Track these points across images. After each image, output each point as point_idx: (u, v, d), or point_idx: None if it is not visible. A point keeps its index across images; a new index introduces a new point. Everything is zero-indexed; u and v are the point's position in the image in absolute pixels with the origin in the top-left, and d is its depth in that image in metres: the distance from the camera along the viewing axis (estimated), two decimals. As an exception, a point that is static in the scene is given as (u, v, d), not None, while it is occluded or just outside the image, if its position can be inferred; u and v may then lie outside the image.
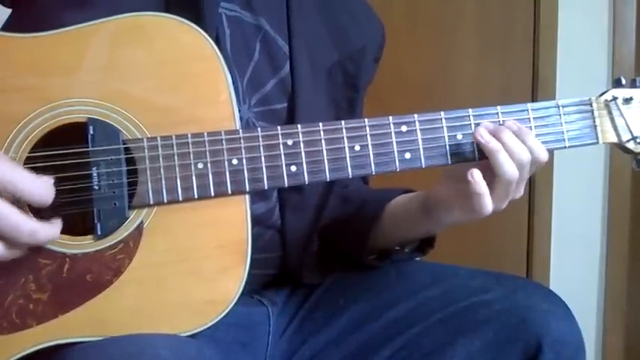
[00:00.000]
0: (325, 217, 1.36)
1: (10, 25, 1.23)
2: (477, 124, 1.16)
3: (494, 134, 1.13)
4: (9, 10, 1.26)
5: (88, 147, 1.05)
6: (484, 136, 1.13)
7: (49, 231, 1.00)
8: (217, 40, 1.16)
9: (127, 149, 1.07)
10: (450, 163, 1.16)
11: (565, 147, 1.21)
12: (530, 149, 1.14)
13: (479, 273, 1.30)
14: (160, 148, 1.07)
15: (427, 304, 1.26)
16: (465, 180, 1.13)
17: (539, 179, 2.72)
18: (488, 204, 1.13)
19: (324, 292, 1.37)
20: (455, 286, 1.27)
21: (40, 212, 1.03)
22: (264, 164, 1.10)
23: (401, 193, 1.35)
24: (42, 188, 0.98)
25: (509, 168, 1.12)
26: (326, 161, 1.12)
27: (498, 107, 1.18)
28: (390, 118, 1.14)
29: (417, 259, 1.38)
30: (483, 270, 1.31)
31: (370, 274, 1.35)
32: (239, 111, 1.11)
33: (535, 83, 2.76)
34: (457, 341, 1.22)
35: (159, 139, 1.07)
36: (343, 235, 1.37)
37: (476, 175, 1.11)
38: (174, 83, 1.09)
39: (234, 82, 1.14)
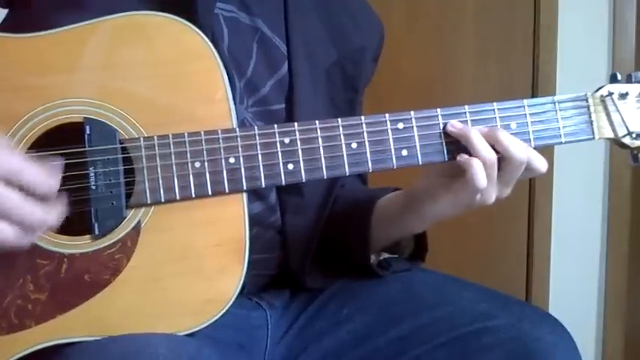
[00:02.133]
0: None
1: (6, 26, 1.23)
2: (473, 121, 1.17)
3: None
4: (5, 11, 1.27)
5: (84, 147, 1.06)
6: (455, 125, 1.16)
7: (54, 215, 1.00)
8: (214, 41, 1.16)
9: (124, 149, 1.07)
10: (446, 159, 1.16)
11: (561, 142, 1.21)
12: (502, 142, 1.15)
13: (485, 295, 1.29)
14: (156, 148, 1.07)
15: (432, 325, 1.25)
16: (447, 172, 1.17)
17: (539, 179, 2.71)
18: (481, 180, 1.13)
19: (327, 299, 1.36)
20: (460, 309, 1.25)
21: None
22: (261, 162, 1.10)
23: (390, 192, 1.34)
24: (45, 180, 0.98)
25: (483, 148, 1.14)
26: (323, 159, 1.12)
27: (495, 104, 1.18)
28: (387, 115, 1.15)
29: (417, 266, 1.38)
30: (489, 291, 1.30)
31: (375, 286, 1.34)
32: (236, 111, 1.11)
33: (535, 83, 2.75)
34: None
35: (156, 138, 1.07)
36: (339, 236, 1.36)
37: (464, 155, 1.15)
38: (171, 82, 1.09)
39: (232, 83, 1.14)
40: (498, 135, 1.15)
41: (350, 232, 1.33)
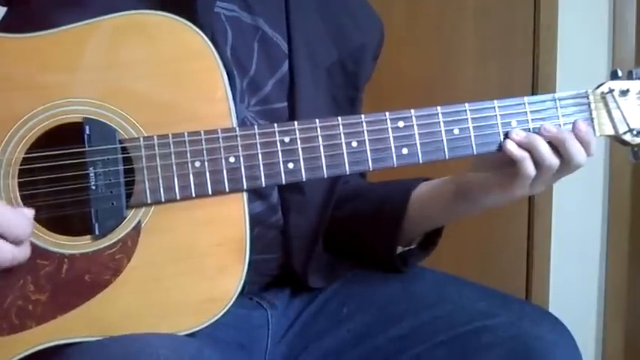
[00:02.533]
0: (334, 216, 1.36)
1: (5, 24, 1.23)
2: (474, 119, 1.17)
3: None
4: (3, 9, 1.27)
5: (84, 147, 1.05)
6: (519, 134, 1.18)
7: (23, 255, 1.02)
8: (215, 40, 1.16)
9: (123, 149, 1.07)
10: (447, 157, 1.16)
11: None
12: (568, 150, 1.17)
13: (484, 294, 1.29)
14: (156, 147, 1.07)
15: (431, 324, 1.25)
16: (499, 165, 1.18)
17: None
18: (531, 170, 1.16)
19: (327, 298, 1.36)
20: (460, 307, 1.26)
21: (37, 213, 1.03)
22: (261, 162, 1.10)
23: (421, 182, 1.34)
24: (16, 225, 1.00)
25: (548, 155, 1.16)
26: (323, 158, 1.12)
27: (495, 101, 1.18)
28: (387, 113, 1.14)
29: (417, 267, 1.38)
30: (489, 290, 1.31)
31: (375, 285, 1.34)
32: (236, 110, 1.11)
33: (535, 83, 2.75)
34: None
35: (155, 138, 1.07)
36: (365, 231, 1.36)
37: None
38: (170, 82, 1.09)
39: (232, 82, 1.14)
40: (567, 141, 1.16)
41: (380, 225, 1.33)
